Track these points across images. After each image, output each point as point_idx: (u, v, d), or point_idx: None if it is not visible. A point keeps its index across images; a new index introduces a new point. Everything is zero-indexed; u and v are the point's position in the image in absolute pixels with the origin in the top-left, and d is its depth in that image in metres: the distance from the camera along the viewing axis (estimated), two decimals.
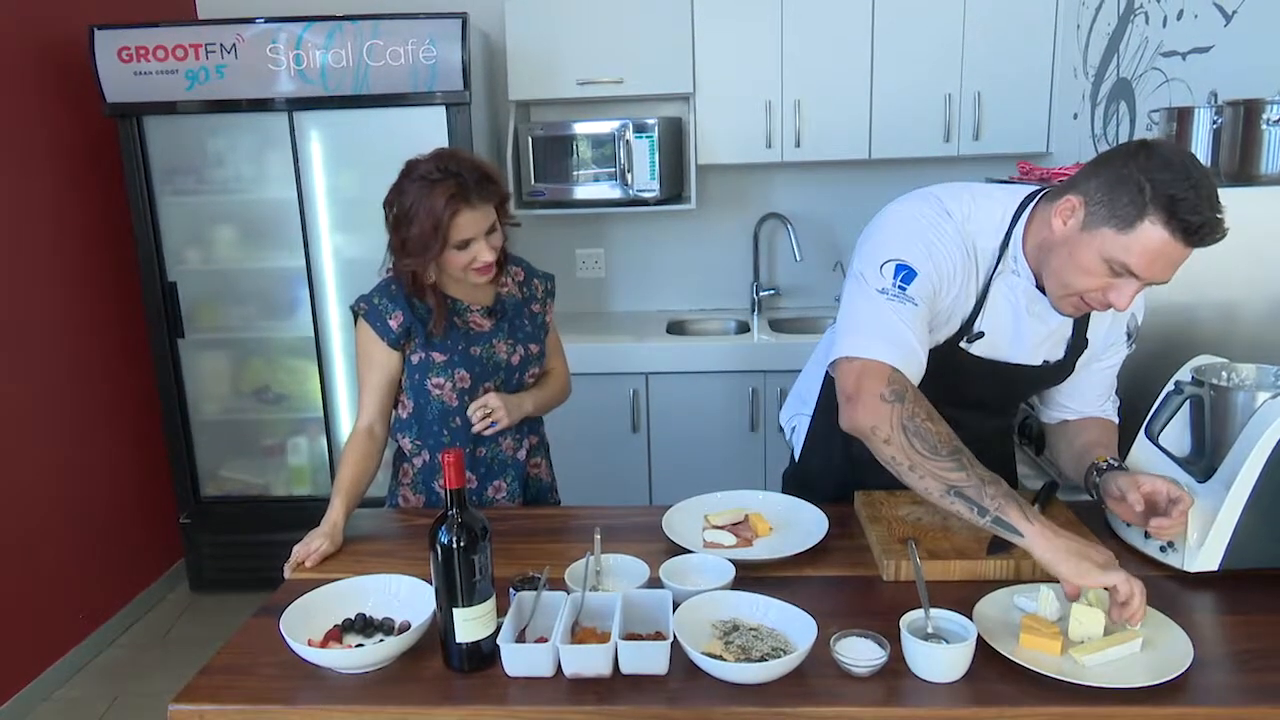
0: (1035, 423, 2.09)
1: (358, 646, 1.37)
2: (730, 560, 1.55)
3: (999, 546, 1.56)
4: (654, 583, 1.48)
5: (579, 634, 1.35)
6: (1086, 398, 1.76)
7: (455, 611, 1.30)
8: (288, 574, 1.68)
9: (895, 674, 1.29)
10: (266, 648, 1.40)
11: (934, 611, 1.33)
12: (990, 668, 1.28)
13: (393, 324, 1.90)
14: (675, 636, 1.29)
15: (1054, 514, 1.70)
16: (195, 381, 3.52)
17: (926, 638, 1.30)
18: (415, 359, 1.93)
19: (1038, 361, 1.64)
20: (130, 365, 3.47)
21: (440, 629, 1.33)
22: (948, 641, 1.30)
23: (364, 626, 1.42)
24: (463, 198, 1.76)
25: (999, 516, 1.36)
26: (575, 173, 3.48)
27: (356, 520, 1.85)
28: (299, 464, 3.62)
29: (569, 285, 3.95)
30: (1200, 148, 2.04)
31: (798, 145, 3.48)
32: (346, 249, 3.41)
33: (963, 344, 1.60)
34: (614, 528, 1.80)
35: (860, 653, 1.29)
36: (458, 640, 1.31)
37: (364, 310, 1.91)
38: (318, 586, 1.49)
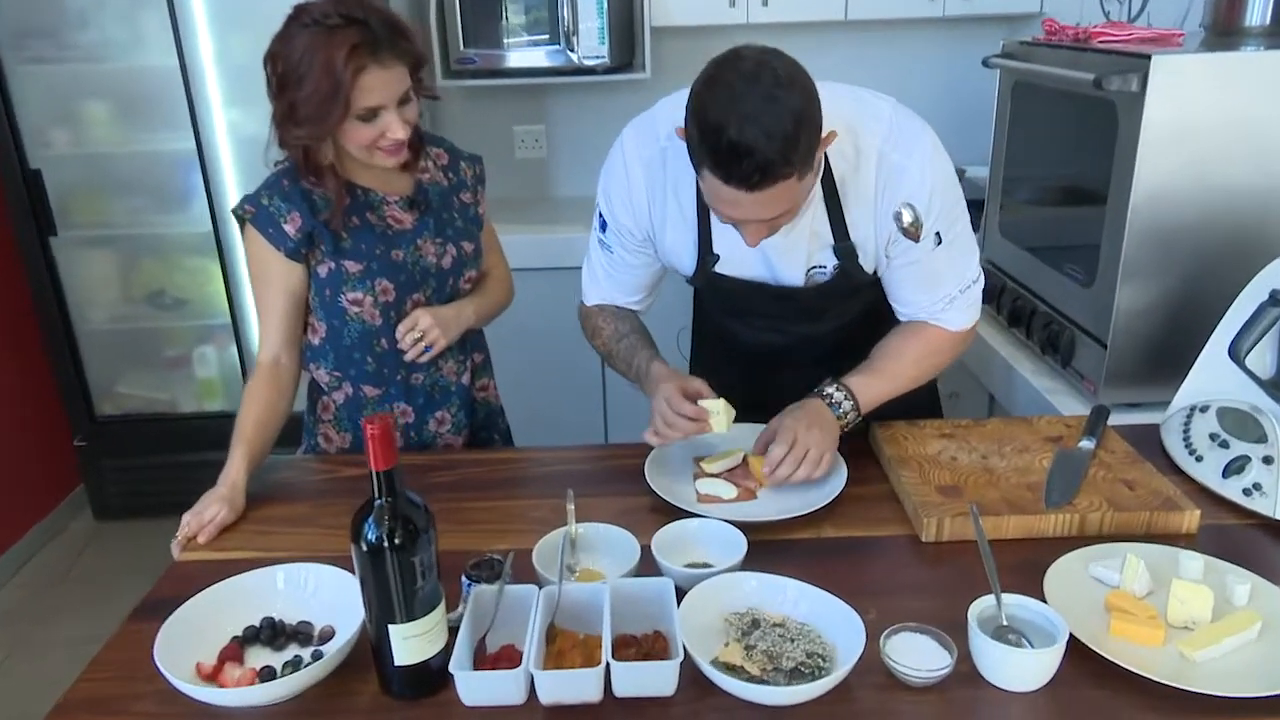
0: (1061, 327, 1.81)
1: (263, 670, 1.04)
2: (732, 522, 1.25)
3: (1057, 494, 1.29)
4: (645, 560, 1.17)
5: (556, 641, 1.04)
6: (900, 296, 1.49)
7: (392, 629, 0.98)
8: (176, 553, 1.33)
9: (960, 680, 1.02)
10: (144, 670, 1.05)
11: (1006, 598, 1.06)
12: (1077, 667, 1.02)
13: (289, 229, 1.49)
14: (685, 649, 0.99)
15: (1110, 444, 1.43)
16: (76, 287, 3.03)
17: (1000, 634, 1.02)
18: (323, 271, 1.54)
19: (801, 272, 1.46)
20: None
21: (373, 644, 1.01)
22: (1026, 637, 1.03)
23: (273, 637, 1.10)
24: (369, 51, 1.35)
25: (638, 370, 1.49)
26: (510, 37, 2.99)
27: (265, 471, 1.50)
28: (207, 376, 3.21)
29: (506, 168, 3.50)
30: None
31: (765, 4, 3.04)
32: (244, 125, 2.90)
33: (714, 269, 1.48)
34: (584, 476, 1.49)
35: (920, 656, 1.01)
36: (396, 663, 0.99)
37: (250, 214, 1.50)
38: (214, 571, 1.15)
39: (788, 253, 1.43)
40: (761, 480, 1.38)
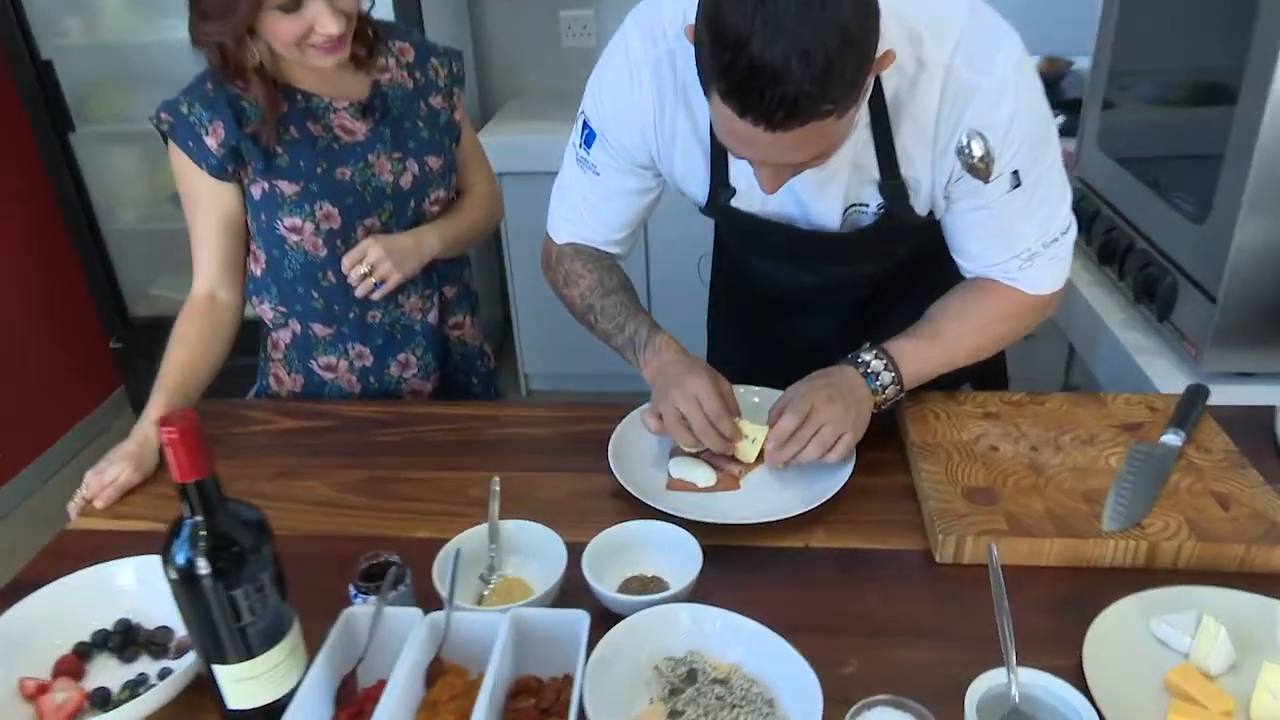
0: (1161, 271, 1.46)
1: (94, 694, 0.87)
2: (701, 523, 1.01)
3: (1123, 511, 1.00)
4: (573, 573, 0.95)
5: (440, 682, 0.84)
6: (965, 249, 1.17)
7: (219, 670, 0.78)
8: (73, 515, 1.18)
9: None
10: None
11: (1023, 673, 0.79)
12: None
13: (211, 142, 1.27)
14: (584, 710, 0.77)
15: (1204, 439, 1.11)
16: (100, 186, 2.91)
17: None
18: (256, 192, 1.32)
19: (838, 212, 1.15)
20: (17, 169, 2.86)
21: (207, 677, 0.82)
22: None
23: (123, 645, 0.93)
24: None
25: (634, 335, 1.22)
26: None
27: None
28: None
29: (552, 58, 3.19)
30: None
31: None
32: None
33: (729, 203, 1.18)
34: (552, 441, 1.26)
35: None
36: (229, 707, 0.80)
37: (168, 125, 1.28)
38: (103, 545, 0.98)
39: (822, 188, 1.13)
40: (743, 457, 1.13)
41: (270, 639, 0.79)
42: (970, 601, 0.94)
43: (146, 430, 1.23)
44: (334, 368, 1.43)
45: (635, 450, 1.18)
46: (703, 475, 1.12)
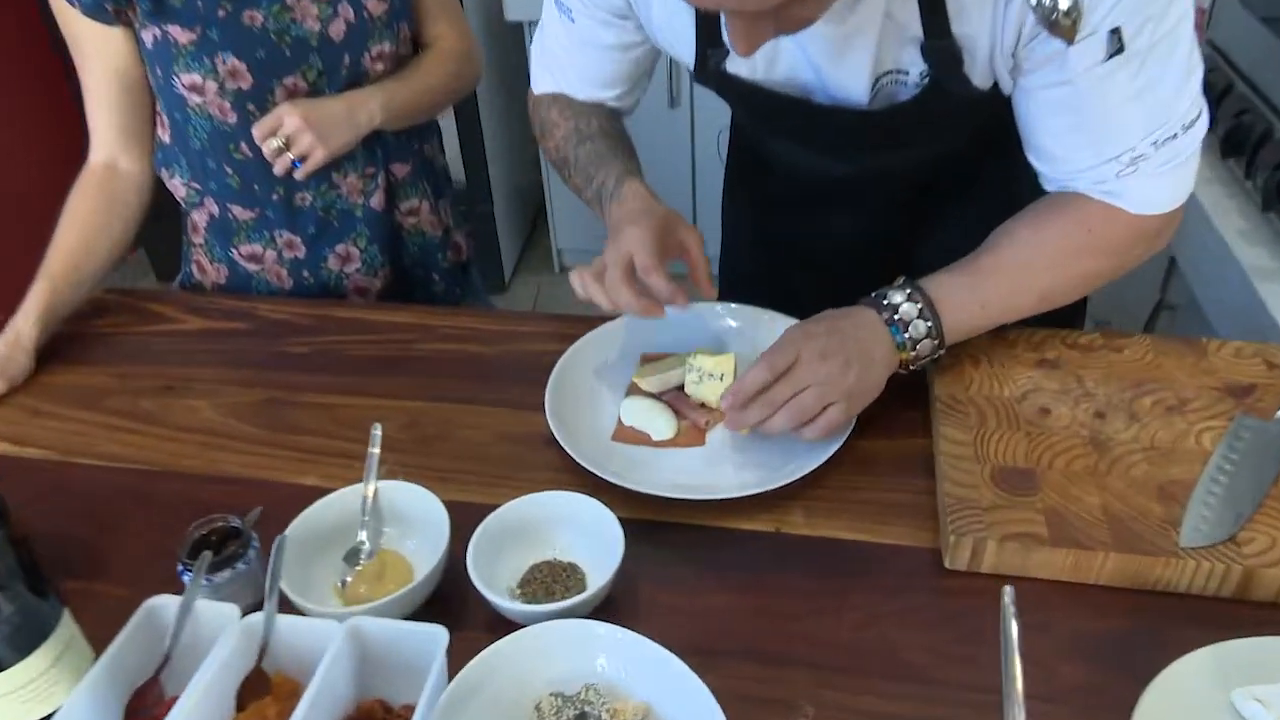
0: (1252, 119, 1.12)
1: None
2: (647, 496, 0.78)
3: (1211, 519, 0.73)
4: (458, 554, 0.73)
5: (257, 700, 0.64)
6: (1041, 145, 0.85)
7: None
8: None
9: None
10: None
11: None
12: None
13: None
14: None
15: None
16: None
17: None
18: (148, 40, 1.07)
19: (866, 82, 0.85)
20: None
21: None
22: None
23: None
24: None
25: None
26: None
27: (90, 314, 1.13)
28: None
29: None
30: None
31: None
32: None
33: (723, 69, 0.91)
34: (496, 361, 1.03)
35: None
36: None
37: None
38: None
39: (843, 50, 0.83)
40: (706, 398, 0.89)
41: (20, 647, 0.60)
42: (983, 633, 0.70)
43: (19, 327, 1.04)
44: (259, 258, 1.21)
45: (585, 383, 0.94)
46: (660, 425, 0.88)
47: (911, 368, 0.85)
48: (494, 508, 0.77)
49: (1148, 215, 0.83)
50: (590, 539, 0.76)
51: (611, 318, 1.00)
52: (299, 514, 0.76)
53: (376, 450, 0.81)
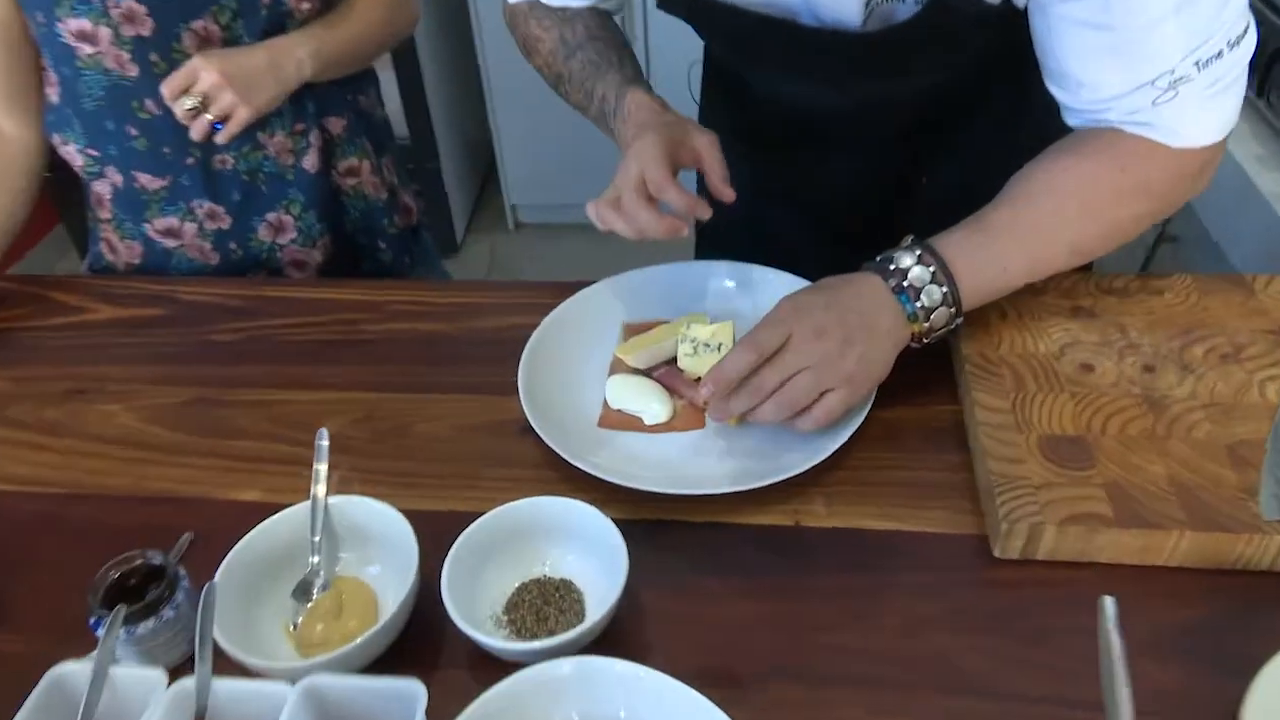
0: (1265, 33, 1.03)
1: None
2: (643, 490, 0.68)
3: None
4: (430, 575, 0.62)
5: None
6: (1065, 74, 0.73)
7: None
8: None
9: None
10: None
11: None
12: None
13: None
14: None
15: None
16: None
17: None
18: None
19: (854, 0, 0.74)
20: None
21: None
22: None
23: None
24: None
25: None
26: None
27: None
28: None
29: None
30: None
31: None
32: None
33: None
34: (461, 342, 0.90)
35: None
36: None
37: None
38: None
39: None
40: (699, 371, 0.78)
41: None
42: (1048, 633, 0.60)
43: None
44: (177, 232, 1.06)
45: (564, 360, 0.82)
46: (653, 406, 0.77)
47: (925, 341, 0.74)
48: (466, 515, 0.65)
49: (1190, 149, 0.73)
50: (584, 549, 0.65)
51: (587, 283, 0.88)
52: (238, 539, 0.64)
53: (324, 466, 0.69)
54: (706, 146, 0.78)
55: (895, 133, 0.98)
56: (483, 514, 0.65)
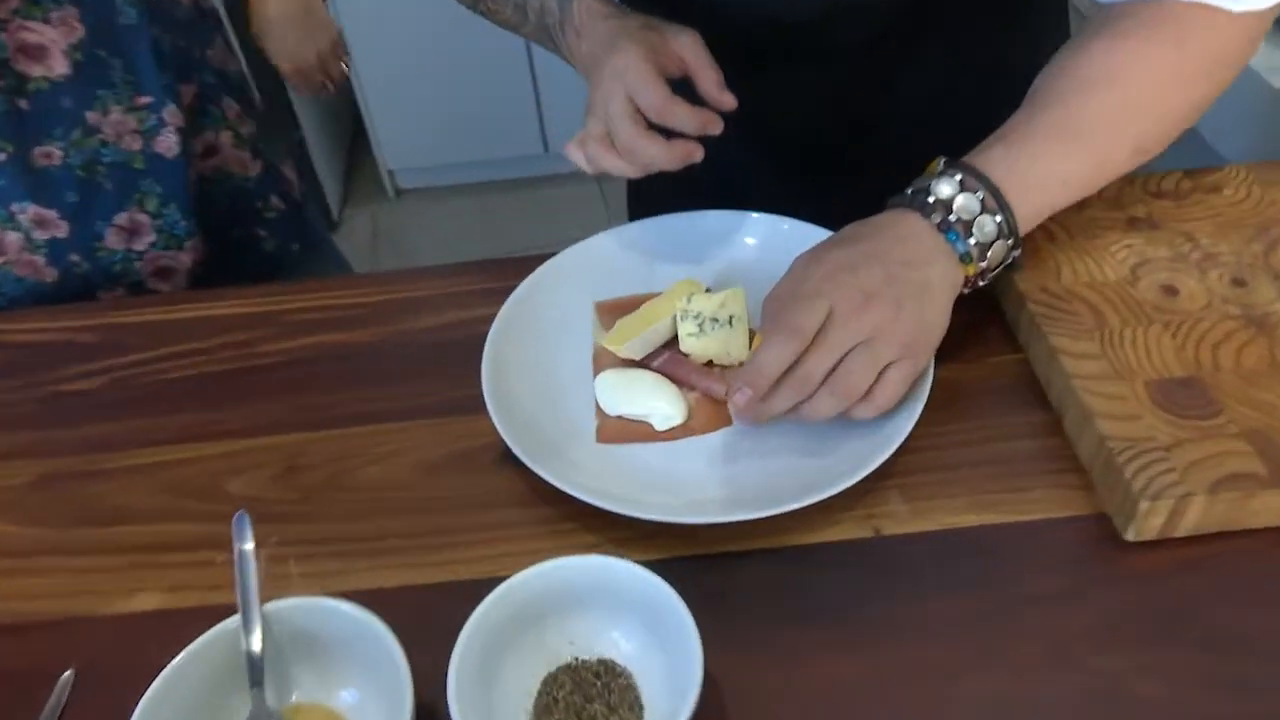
0: None
1: None
2: (679, 520, 0.52)
3: None
4: (420, 691, 0.45)
5: None
6: None
7: None
8: None
9: None
10: None
11: None
12: None
13: None
14: None
15: None
16: None
17: None
18: None
19: None
20: None
21: None
22: None
23: None
24: None
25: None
26: None
27: None
28: None
29: None
30: None
31: None
32: None
33: None
34: (390, 349, 0.71)
35: None
36: None
37: None
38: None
39: None
40: (713, 355, 0.64)
41: None
42: (1222, 633, 0.48)
43: None
44: None
45: (536, 361, 0.65)
46: (660, 406, 0.61)
47: (980, 283, 0.61)
48: (449, 587, 0.50)
49: (1252, 12, 0.60)
50: (618, 611, 0.49)
51: (542, 257, 0.71)
52: (142, 672, 0.45)
53: (249, 545, 0.50)
54: (690, 47, 0.63)
55: (862, 44, 0.83)
56: (472, 581, 0.48)
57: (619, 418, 0.61)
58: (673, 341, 0.64)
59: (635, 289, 0.70)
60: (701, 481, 0.57)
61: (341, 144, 2.64)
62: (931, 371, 0.59)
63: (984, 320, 0.66)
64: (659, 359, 0.64)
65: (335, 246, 1.14)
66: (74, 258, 0.85)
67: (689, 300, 0.63)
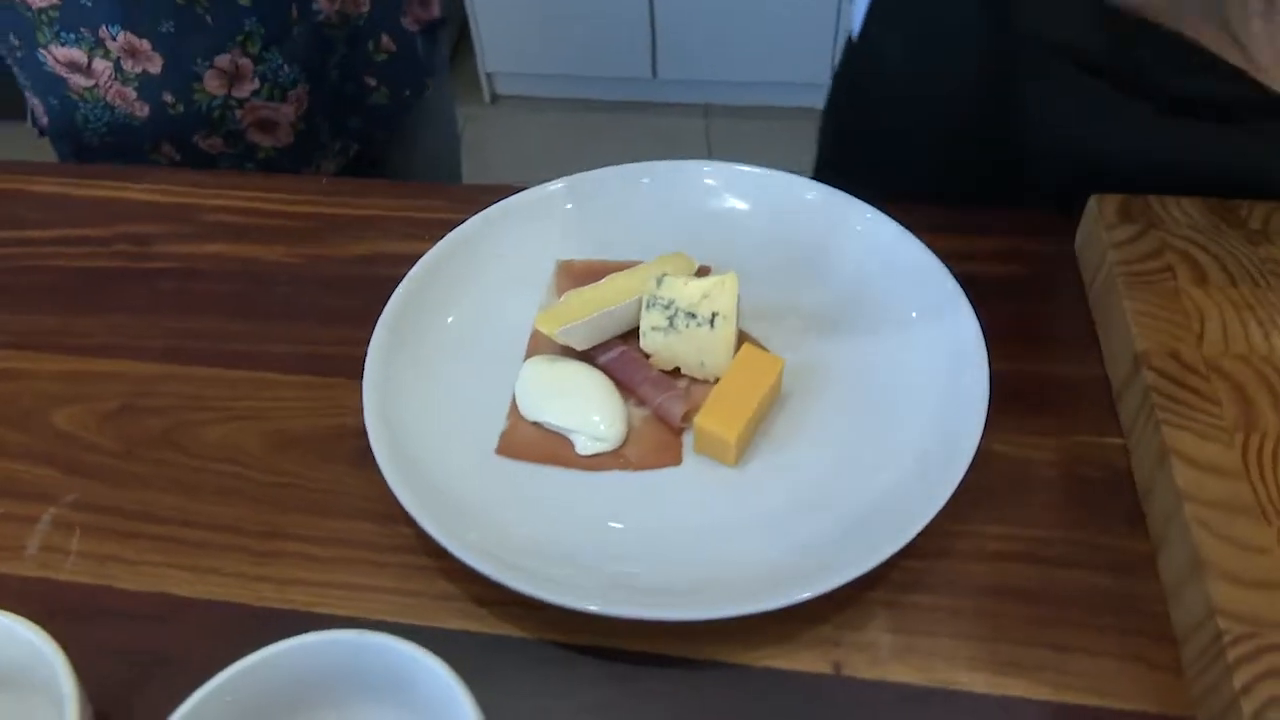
0: None
1: None
2: (573, 606, 0.36)
3: None
4: None
5: None
6: None
7: None
8: None
9: None
10: None
11: None
12: None
13: None
14: None
15: None
16: None
17: None
18: None
19: None
20: None
21: None
22: None
23: None
24: None
25: None
26: None
27: None
28: None
29: None
30: None
31: None
32: None
33: None
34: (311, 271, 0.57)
35: None
36: None
37: None
38: None
39: None
40: (677, 363, 0.47)
41: None
42: None
43: None
44: (84, 68, 0.72)
45: (461, 328, 0.49)
46: (592, 419, 0.44)
47: None
48: (261, 614, 0.35)
49: None
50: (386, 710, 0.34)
51: (520, 187, 0.55)
52: None
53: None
54: None
55: None
56: (291, 613, 0.35)
57: (535, 425, 0.45)
58: (632, 334, 0.47)
59: (625, 254, 0.53)
60: (618, 542, 0.41)
61: (423, 7, 2.50)
62: (977, 439, 0.41)
63: (1082, 379, 0.47)
64: (608, 354, 0.47)
65: (450, 97, 1.01)
66: (168, 97, 0.74)
67: (660, 283, 0.46)
